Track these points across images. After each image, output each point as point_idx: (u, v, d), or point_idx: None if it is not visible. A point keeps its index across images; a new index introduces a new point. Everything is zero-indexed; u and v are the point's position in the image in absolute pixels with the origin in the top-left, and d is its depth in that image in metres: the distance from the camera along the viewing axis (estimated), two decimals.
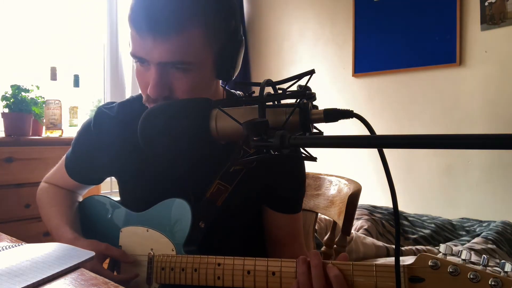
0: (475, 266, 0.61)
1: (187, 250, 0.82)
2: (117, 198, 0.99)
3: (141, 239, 0.87)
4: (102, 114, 0.94)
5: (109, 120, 0.92)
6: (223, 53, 0.78)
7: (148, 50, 0.73)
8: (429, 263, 0.62)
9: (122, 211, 0.93)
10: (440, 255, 0.64)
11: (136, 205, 0.91)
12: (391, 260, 1.65)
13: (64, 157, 1.03)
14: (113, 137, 0.92)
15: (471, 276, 0.59)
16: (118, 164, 0.93)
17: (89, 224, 0.98)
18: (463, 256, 0.62)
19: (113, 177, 1.00)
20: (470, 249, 1.74)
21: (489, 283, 0.58)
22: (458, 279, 0.60)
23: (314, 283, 0.66)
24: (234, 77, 0.81)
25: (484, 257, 0.64)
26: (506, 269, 0.59)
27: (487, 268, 0.61)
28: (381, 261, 1.68)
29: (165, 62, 0.73)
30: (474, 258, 0.84)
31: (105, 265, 0.89)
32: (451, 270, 0.61)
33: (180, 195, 0.85)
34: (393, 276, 0.64)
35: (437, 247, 1.76)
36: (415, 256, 0.67)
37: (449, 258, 0.64)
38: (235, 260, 0.75)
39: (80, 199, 1.06)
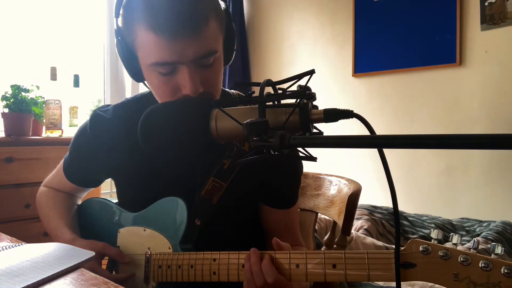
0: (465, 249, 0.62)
1: (184, 248, 0.82)
2: (115, 199, 1.00)
3: (139, 239, 0.87)
4: (98, 116, 0.94)
5: (105, 123, 0.93)
6: (227, 34, 0.81)
7: (180, 51, 0.72)
8: (420, 248, 0.63)
9: (120, 212, 0.94)
10: (432, 241, 0.65)
11: (133, 205, 0.92)
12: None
13: (62, 160, 1.03)
14: (109, 139, 0.92)
15: (462, 259, 0.60)
16: (115, 166, 0.94)
17: (88, 226, 0.99)
18: (454, 241, 0.63)
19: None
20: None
21: (480, 265, 0.59)
22: (449, 263, 0.61)
23: (255, 278, 0.71)
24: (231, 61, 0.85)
25: (474, 240, 0.65)
26: (497, 251, 0.59)
27: (477, 251, 0.61)
28: None
29: (199, 56, 0.73)
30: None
31: (104, 266, 0.89)
32: (441, 254, 0.61)
33: (176, 194, 0.85)
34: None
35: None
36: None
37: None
38: (230, 254, 0.76)
39: (79, 202, 1.07)
